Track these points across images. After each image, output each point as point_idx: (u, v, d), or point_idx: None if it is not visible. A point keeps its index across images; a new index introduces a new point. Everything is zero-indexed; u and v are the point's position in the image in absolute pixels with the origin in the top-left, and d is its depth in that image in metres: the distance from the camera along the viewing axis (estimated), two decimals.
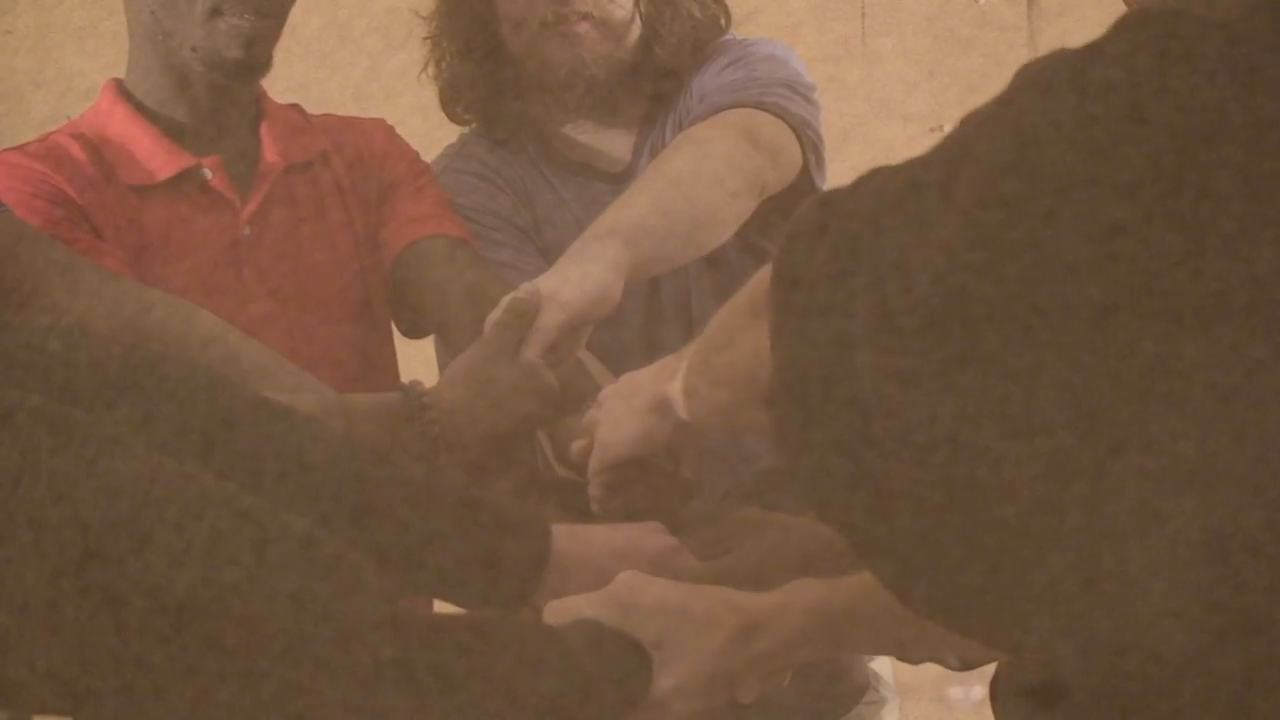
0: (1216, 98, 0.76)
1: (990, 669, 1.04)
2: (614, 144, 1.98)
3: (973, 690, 2.10)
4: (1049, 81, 0.81)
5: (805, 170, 1.86)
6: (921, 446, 0.81)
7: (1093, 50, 0.80)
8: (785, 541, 1.35)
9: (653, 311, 1.94)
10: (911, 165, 0.85)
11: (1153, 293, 0.79)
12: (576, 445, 1.45)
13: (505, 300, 1.59)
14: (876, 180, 0.88)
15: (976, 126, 0.83)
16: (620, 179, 1.94)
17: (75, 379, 0.96)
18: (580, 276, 1.60)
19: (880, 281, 0.82)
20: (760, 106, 1.83)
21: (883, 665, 2.09)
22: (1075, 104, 0.79)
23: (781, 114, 1.83)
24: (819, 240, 0.87)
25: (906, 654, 1.32)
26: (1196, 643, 0.82)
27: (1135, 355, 0.80)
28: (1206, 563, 0.81)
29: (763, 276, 0.93)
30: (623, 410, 1.38)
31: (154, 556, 0.94)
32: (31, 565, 0.94)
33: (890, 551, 0.86)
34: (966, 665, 1.29)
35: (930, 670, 2.05)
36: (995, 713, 1.01)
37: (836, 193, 0.90)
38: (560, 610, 1.18)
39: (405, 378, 1.91)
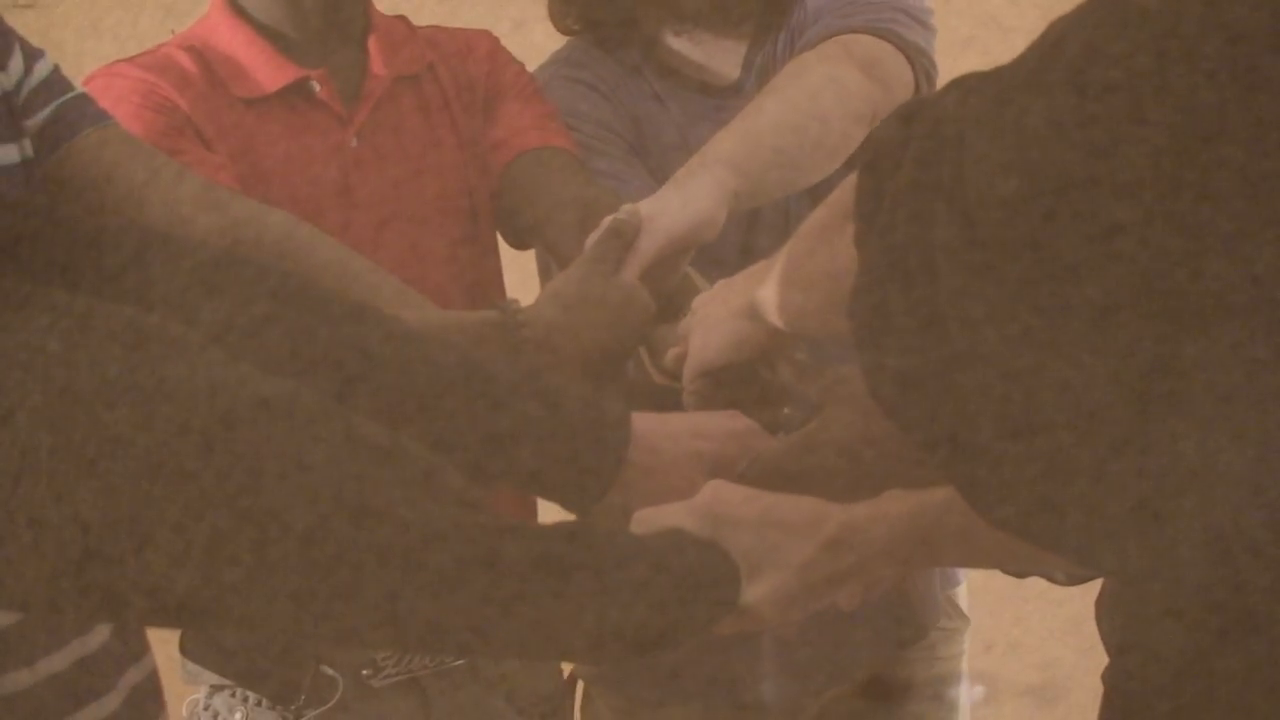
0: (1216, 98, 0.76)
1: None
2: (723, 58, 1.93)
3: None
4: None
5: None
6: (996, 355, 0.81)
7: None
8: (867, 454, 1.33)
9: (751, 231, 1.91)
10: (999, 72, 0.85)
11: (1153, 293, 0.79)
12: (672, 353, 1.45)
13: (606, 221, 1.59)
14: (962, 87, 0.87)
15: (1060, 36, 0.82)
16: (727, 93, 1.90)
17: (76, 378, 0.96)
18: (683, 202, 1.60)
19: (962, 186, 0.82)
20: (875, 33, 1.79)
21: (959, 593, 2.10)
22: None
23: (897, 41, 1.80)
24: (904, 146, 0.87)
25: (1005, 567, 1.30)
26: (1196, 643, 0.82)
27: (1135, 355, 0.80)
28: (1206, 563, 0.81)
29: (851, 182, 0.93)
30: (716, 316, 1.38)
31: (154, 556, 0.94)
32: (31, 565, 0.94)
33: (967, 460, 0.85)
34: (1073, 580, 1.27)
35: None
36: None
37: (922, 100, 0.90)
38: (648, 519, 1.18)
39: (510, 289, 1.93)
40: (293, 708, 1.80)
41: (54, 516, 0.93)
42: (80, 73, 1.78)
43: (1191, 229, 0.78)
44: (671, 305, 1.60)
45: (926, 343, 0.84)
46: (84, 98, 1.66)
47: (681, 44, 1.93)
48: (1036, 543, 0.88)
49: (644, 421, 1.31)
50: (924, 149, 0.85)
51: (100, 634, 1.56)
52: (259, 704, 1.82)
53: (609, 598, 1.06)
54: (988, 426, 0.83)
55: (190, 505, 0.94)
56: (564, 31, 1.99)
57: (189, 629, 1.77)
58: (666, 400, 1.47)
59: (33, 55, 1.62)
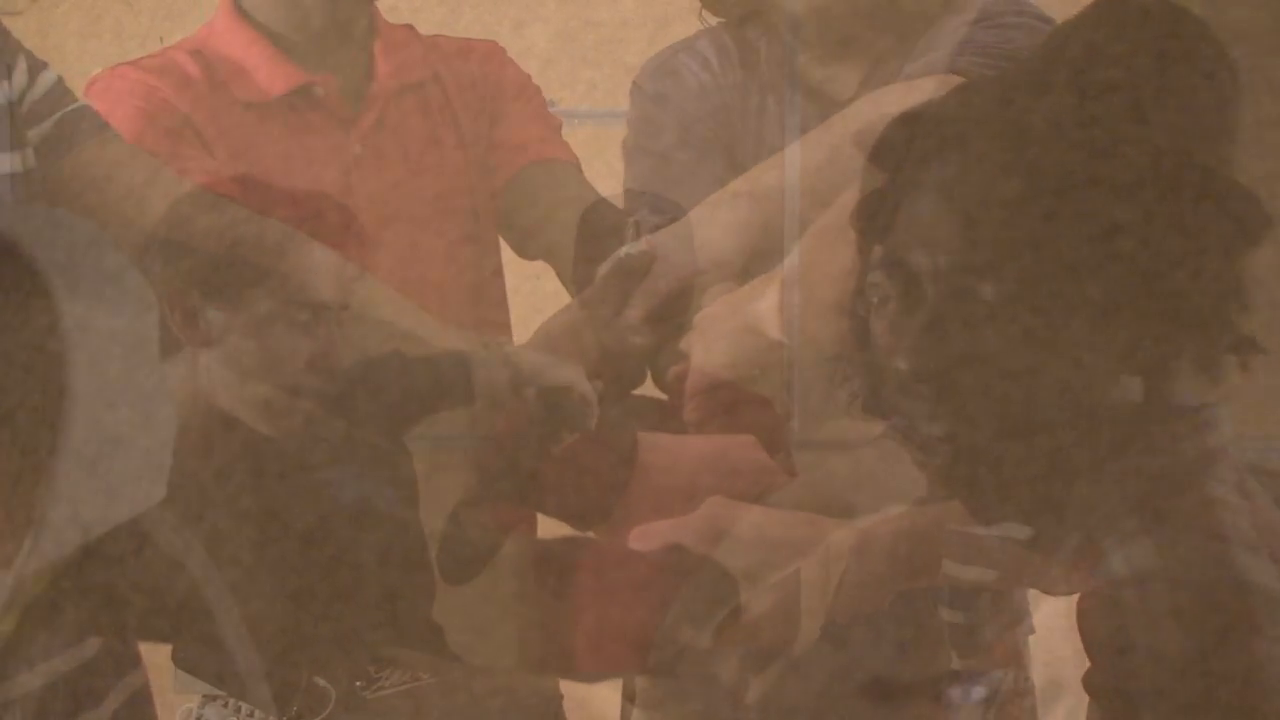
0: (1216, 98, 0.76)
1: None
2: (842, 77, 1.90)
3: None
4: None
5: None
6: (996, 355, 0.81)
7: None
8: (867, 456, 1.33)
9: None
10: (1003, 74, 0.85)
11: (1153, 293, 0.79)
12: (673, 371, 1.43)
13: (615, 255, 1.55)
14: (966, 88, 0.87)
15: (1062, 37, 0.82)
16: (837, 108, 1.87)
17: (76, 378, 0.96)
18: (701, 239, 1.55)
19: (964, 186, 0.81)
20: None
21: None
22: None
23: None
24: (908, 146, 0.87)
25: (997, 582, 1.30)
26: (1196, 643, 0.82)
27: (1135, 355, 0.80)
28: (1206, 563, 0.81)
29: (854, 192, 0.93)
30: (716, 332, 1.37)
31: (154, 556, 0.94)
32: (32, 565, 0.94)
33: (968, 460, 0.85)
34: (1069, 591, 1.27)
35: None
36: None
37: (928, 102, 0.90)
38: (646, 535, 1.18)
39: (510, 290, 1.93)
40: (285, 718, 1.80)
41: (54, 516, 0.93)
42: (79, 74, 1.78)
43: (1191, 229, 0.78)
44: (674, 322, 1.58)
45: (927, 343, 0.84)
46: (86, 109, 1.66)
47: (806, 58, 1.89)
48: (1036, 543, 0.88)
49: (650, 440, 1.30)
50: (927, 149, 0.85)
51: (96, 639, 1.55)
52: (251, 714, 1.82)
53: (609, 597, 1.06)
54: (988, 426, 0.83)
55: (190, 505, 0.94)
56: (713, 11, 1.95)
57: (188, 632, 1.77)
58: (668, 418, 1.46)
59: (37, 67, 1.62)
